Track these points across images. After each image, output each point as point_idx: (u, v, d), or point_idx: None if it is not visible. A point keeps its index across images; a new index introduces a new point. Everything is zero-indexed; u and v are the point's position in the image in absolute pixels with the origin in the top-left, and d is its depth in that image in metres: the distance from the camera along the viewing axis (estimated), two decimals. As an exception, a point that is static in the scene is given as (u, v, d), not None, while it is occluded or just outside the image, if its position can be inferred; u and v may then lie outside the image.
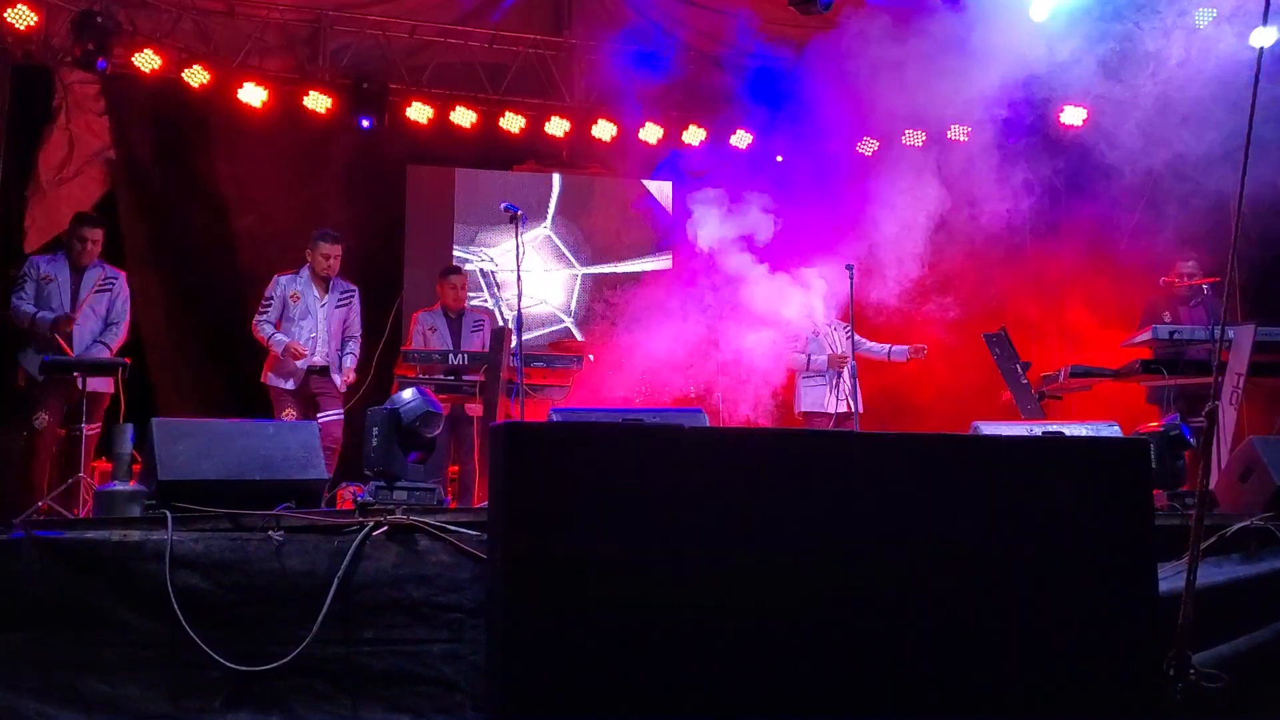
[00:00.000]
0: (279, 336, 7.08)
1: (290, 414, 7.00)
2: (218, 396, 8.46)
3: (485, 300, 9.64)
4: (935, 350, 8.00)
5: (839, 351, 7.71)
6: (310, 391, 7.17)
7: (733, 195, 8.04)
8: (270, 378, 7.16)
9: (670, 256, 10.17)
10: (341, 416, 7.21)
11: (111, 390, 6.59)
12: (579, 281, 10.23)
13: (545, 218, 10.16)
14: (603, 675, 3.23)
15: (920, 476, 3.59)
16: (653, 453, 3.42)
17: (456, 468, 7.46)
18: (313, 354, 7.13)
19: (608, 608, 3.24)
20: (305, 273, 7.29)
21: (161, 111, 8.93)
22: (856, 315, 7.47)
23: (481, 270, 9.87)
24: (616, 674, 3.23)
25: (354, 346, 7.40)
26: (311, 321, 7.19)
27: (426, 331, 7.59)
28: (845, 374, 7.64)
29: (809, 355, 7.80)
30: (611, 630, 3.24)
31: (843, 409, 7.69)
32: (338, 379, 7.24)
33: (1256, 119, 3.55)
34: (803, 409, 7.90)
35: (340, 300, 7.34)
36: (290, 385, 7.10)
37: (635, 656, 3.26)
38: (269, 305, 7.19)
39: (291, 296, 7.18)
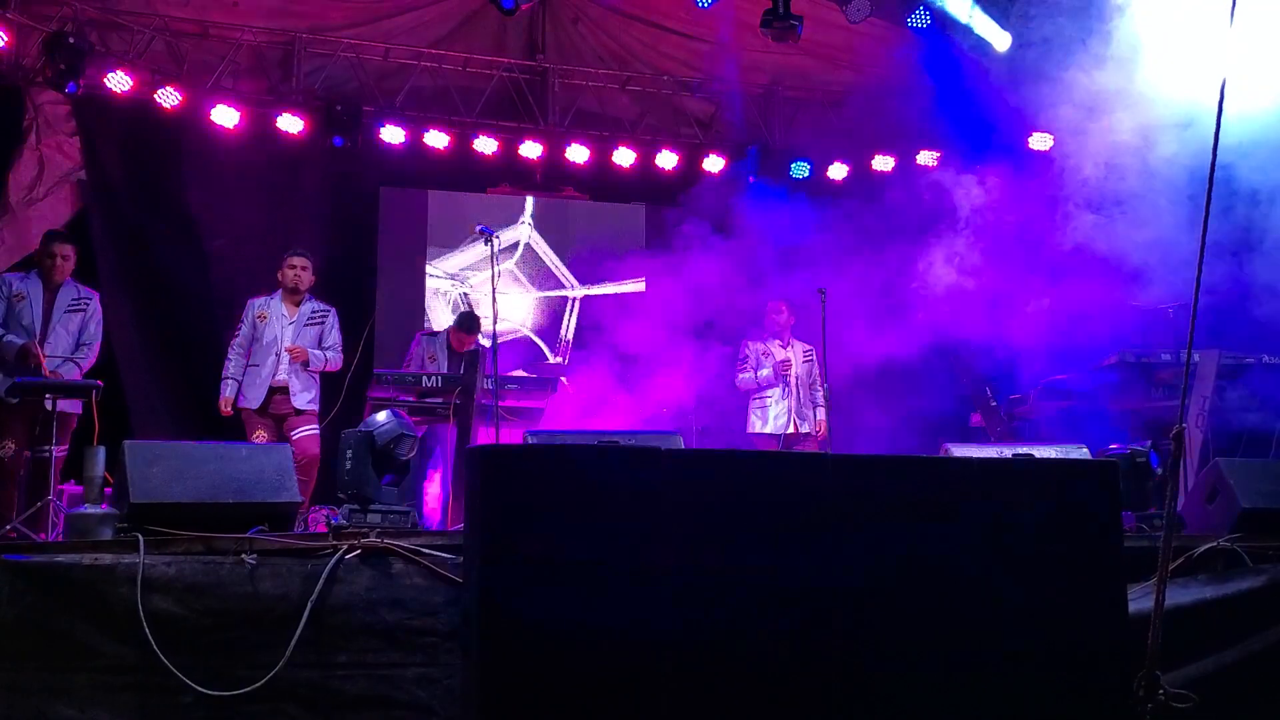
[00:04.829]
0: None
1: (261, 435, 6.95)
2: (190, 419, 8.38)
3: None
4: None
5: (794, 371, 7.77)
6: (278, 411, 7.07)
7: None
8: (239, 399, 7.10)
9: (644, 281, 10.14)
10: (316, 431, 7.11)
11: (79, 411, 6.52)
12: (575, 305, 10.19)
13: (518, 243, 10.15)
14: (580, 699, 3.23)
15: (892, 498, 3.63)
16: (630, 475, 3.42)
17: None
18: (275, 374, 7.04)
19: (585, 632, 3.24)
20: (278, 294, 7.26)
21: (133, 132, 8.89)
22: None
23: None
24: (595, 698, 3.23)
25: (332, 354, 7.22)
26: (277, 342, 7.11)
27: (426, 359, 7.56)
28: (793, 390, 7.72)
29: (755, 372, 7.86)
30: (589, 654, 3.24)
31: (797, 430, 7.74)
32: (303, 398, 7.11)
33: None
34: (748, 430, 7.98)
35: (311, 319, 7.23)
36: (255, 405, 7.01)
37: (613, 680, 3.26)
38: (240, 329, 7.18)
39: (259, 316, 7.15)
